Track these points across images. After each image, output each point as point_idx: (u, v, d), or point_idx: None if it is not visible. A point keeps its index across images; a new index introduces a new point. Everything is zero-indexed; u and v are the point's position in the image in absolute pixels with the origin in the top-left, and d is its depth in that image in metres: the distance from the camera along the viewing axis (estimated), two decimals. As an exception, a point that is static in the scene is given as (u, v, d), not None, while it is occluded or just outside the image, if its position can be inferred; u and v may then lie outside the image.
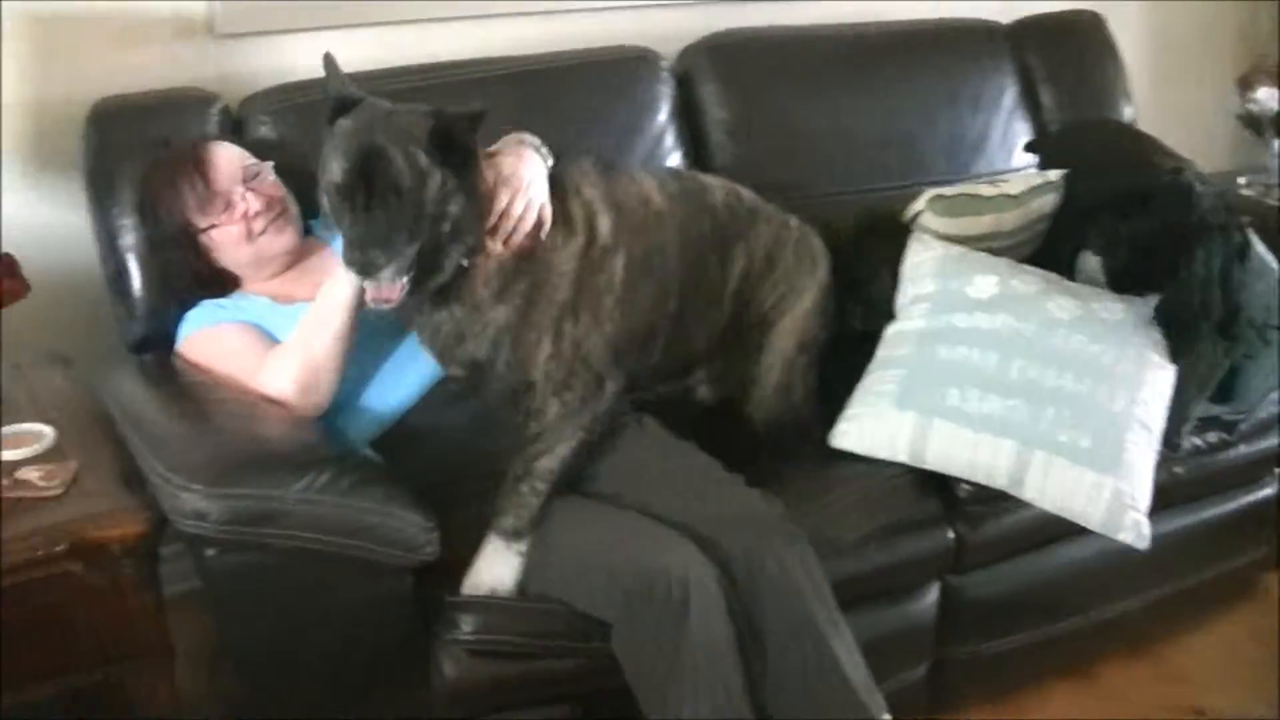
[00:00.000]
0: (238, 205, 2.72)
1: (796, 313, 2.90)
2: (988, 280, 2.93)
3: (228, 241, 2.74)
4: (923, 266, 3.02)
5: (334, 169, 2.32)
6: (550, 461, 2.51)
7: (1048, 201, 3.15)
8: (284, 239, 2.78)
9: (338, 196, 2.33)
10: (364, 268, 2.30)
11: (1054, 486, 2.72)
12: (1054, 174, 3.18)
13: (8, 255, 2.75)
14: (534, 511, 2.50)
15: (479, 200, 2.41)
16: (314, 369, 2.55)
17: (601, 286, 2.56)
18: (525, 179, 2.49)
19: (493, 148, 2.58)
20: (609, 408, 2.59)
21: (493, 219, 2.45)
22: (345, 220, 2.33)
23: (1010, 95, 3.83)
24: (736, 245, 2.81)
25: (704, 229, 2.77)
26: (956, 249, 3.05)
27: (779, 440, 2.89)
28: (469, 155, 2.38)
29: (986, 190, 3.17)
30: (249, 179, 2.75)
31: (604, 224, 2.58)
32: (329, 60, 2.46)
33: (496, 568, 2.49)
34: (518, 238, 2.47)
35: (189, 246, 2.76)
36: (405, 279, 2.35)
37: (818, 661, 2.41)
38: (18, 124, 3.07)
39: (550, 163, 2.59)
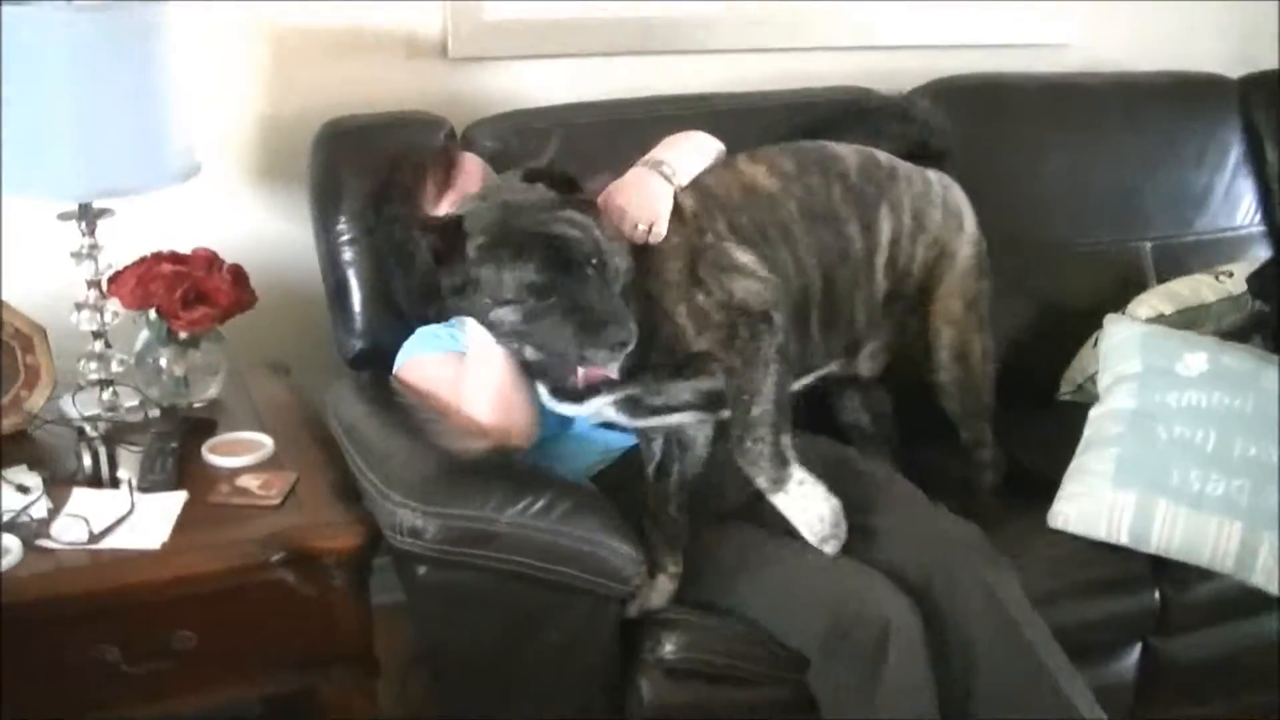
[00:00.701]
0: None
1: (955, 272, 2.83)
2: (1197, 357, 2.86)
3: None
4: (1125, 346, 2.96)
5: (518, 276, 2.24)
6: (760, 406, 2.42)
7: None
8: None
9: (540, 298, 2.25)
10: (614, 350, 2.24)
11: None
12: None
13: (237, 266, 2.83)
14: (774, 457, 2.41)
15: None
16: (503, 395, 2.53)
17: (714, 244, 2.49)
18: (619, 207, 2.46)
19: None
20: (784, 340, 2.48)
21: None
22: (557, 317, 2.24)
23: (1235, 152, 3.72)
24: (879, 209, 2.71)
25: (834, 198, 2.67)
26: (1157, 326, 3.02)
27: (963, 405, 2.90)
28: (574, 183, 2.38)
29: (1209, 292, 3.19)
30: None
31: (687, 201, 2.52)
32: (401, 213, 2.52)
33: (788, 508, 2.43)
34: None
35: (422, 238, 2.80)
36: None
37: (1032, 678, 2.40)
38: (251, 137, 3.15)
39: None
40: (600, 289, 2.24)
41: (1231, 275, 3.28)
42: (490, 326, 2.35)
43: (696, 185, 2.56)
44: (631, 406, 2.48)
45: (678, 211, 2.48)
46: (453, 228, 2.29)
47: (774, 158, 2.69)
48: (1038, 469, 2.94)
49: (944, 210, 2.83)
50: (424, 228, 2.34)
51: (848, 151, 2.77)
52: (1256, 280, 3.24)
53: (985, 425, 2.90)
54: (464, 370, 2.62)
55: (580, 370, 2.36)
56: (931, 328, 2.84)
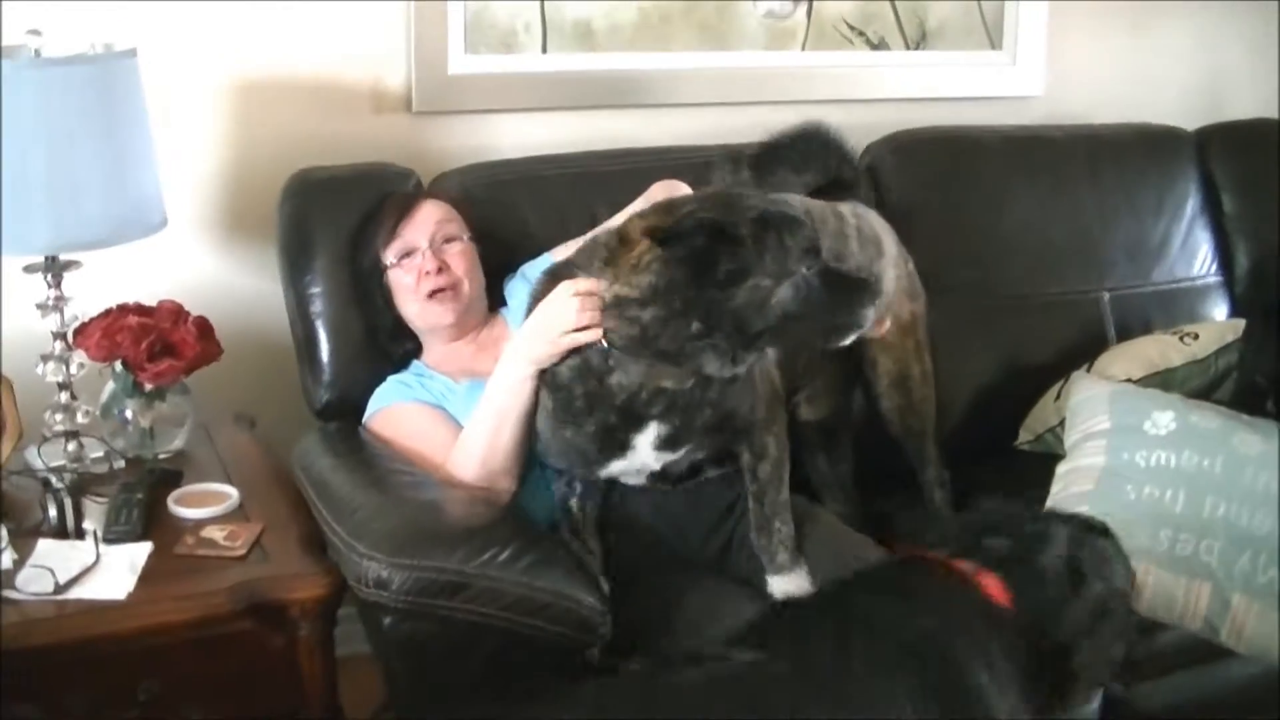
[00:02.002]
0: (416, 258, 2.81)
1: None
2: (1164, 415, 2.87)
3: (401, 289, 2.84)
4: (1093, 403, 2.98)
5: (800, 236, 2.27)
6: (784, 490, 2.55)
7: (1234, 359, 3.19)
8: (444, 313, 2.82)
9: (814, 260, 2.27)
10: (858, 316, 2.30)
11: (1252, 631, 2.66)
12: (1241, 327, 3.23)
13: (202, 318, 2.84)
14: (793, 537, 2.55)
15: None
16: (489, 475, 2.56)
17: None
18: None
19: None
20: None
21: None
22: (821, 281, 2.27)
23: (1193, 203, 3.77)
24: None
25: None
26: (1126, 384, 3.05)
27: (905, 429, 2.95)
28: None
29: (1175, 355, 3.22)
30: (438, 242, 2.82)
31: None
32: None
33: (791, 585, 2.54)
34: None
35: (379, 282, 2.86)
36: None
37: None
38: (217, 190, 3.16)
39: None
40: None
41: (1196, 338, 3.30)
42: (758, 310, 2.27)
43: None
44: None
45: None
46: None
47: None
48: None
49: (859, 240, 2.85)
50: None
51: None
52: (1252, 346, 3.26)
53: (929, 445, 2.95)
54: (442, 422, 2.69)
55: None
56: (868, 358, 2.88)
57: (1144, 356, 3.27)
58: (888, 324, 2.51)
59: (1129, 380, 3.16)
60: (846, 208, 2.88)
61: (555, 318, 2.35)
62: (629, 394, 2.37)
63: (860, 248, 2.83)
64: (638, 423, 2.42)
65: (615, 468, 2.52)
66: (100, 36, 2.72)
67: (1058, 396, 3.23)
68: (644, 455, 2.47)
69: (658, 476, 2.57)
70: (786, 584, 2.55)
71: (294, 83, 3.17)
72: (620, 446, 2.45)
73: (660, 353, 2.30)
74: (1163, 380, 3.18)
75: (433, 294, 2.80)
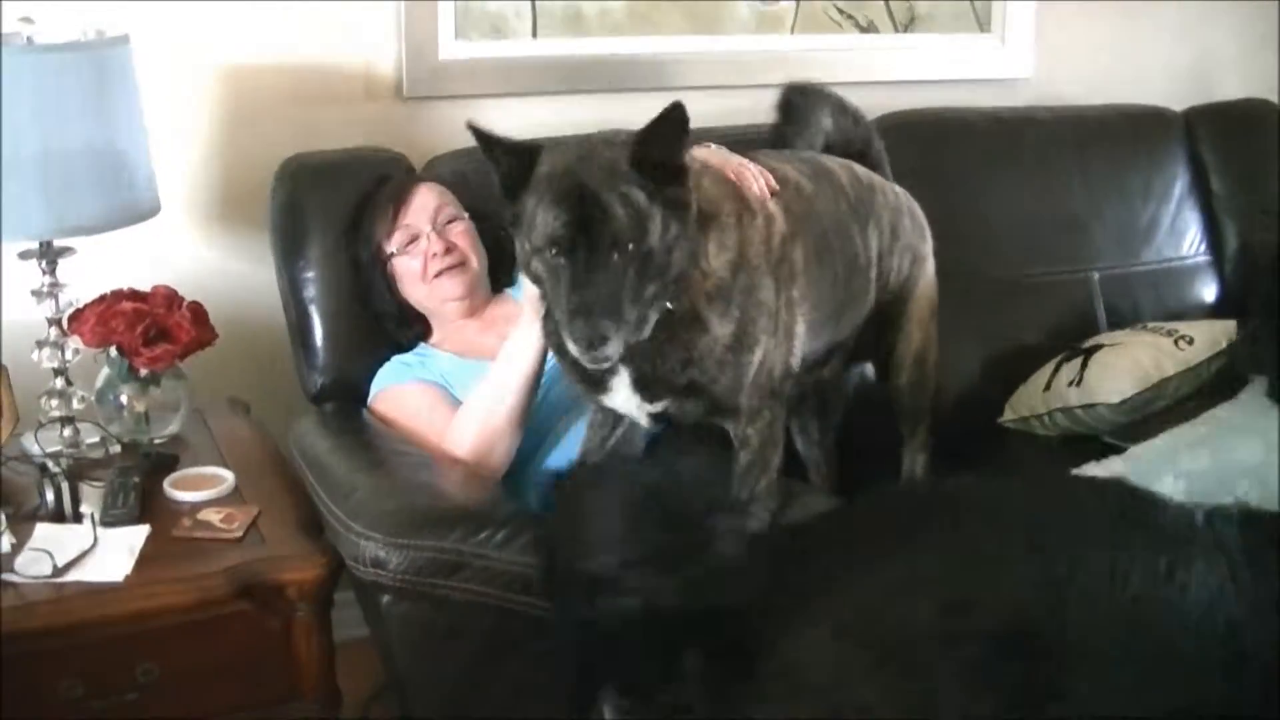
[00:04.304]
0: (421, 243, 2.84)
1: (925, 280, 2.91)
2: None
3: (408, 275, 2.88)
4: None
5: (548, 222, 2.16)
6: (767, 478, 2.51)
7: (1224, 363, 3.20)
8: (454, 287, 2.87)
9: (556, 253, 2.16)
10: (592, 342, 2.13)
11: None
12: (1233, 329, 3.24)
13: (197, 303, 2.84)
14: (768, 519, 2.51)
15: (694, 225, 2.25)
16: (490, 435, 2.60)
17: (789, 284, 2.46)
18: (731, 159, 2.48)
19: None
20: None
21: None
22: (564, 284, 2.16)
23: (1181, 184, 3.79)
24: (870, 223, 2.75)
25: (843, 209, 2.68)
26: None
27: (914, 405, 2.96)
28: (679, 172, 2.21)
29: (1169, 364, 3.19)
30: (440, 224, 2.87)
31: (774, 208, 2.46)
32: (481, 134, 2.28)
33: None
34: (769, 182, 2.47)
35: (382, 272, 2.89)
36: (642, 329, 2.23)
37: None
38: (211, 176, 3.17)
39: None
40: (615, 277, 2.15)
41: (1191, 342, 3.25)
42: (529, 277, 2.29)
43: (783, 194, 2.50)
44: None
45: (771, 221, 2.44)
46: (528, 155, 2.24)
47: (793, 161, 2.69)
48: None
49: (911, 219, 2.90)
50: (504, 150, 2.26)
51: (836, 165, 2.80)
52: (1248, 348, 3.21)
53: (924, 423, 2.98)
54: (441, 401, 2.72)
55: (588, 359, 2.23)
56: (903, 332, 2.89)
57: (1137, 367, 3.20)
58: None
59: (1123, 401, 3.14)
60: (898, 187, 2.95)
61: None
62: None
63: (912, 226, 2.89)
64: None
65: (614, 404, 2.49)
66: (93, 23, 2.72)
67: (1076, 381, 3.22)
68: (624, 396, 2.42)
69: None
70: None
71: (286, 69, 3.18)
72: (597, 384, 2.42)
73: None
74: (1155, 393, 3.16)
75: (441, 272, 2.84)
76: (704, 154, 2.49)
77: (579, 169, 2.18)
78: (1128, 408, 3.15)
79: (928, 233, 2.97)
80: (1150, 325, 3.40)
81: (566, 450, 2.73)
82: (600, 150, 2.22)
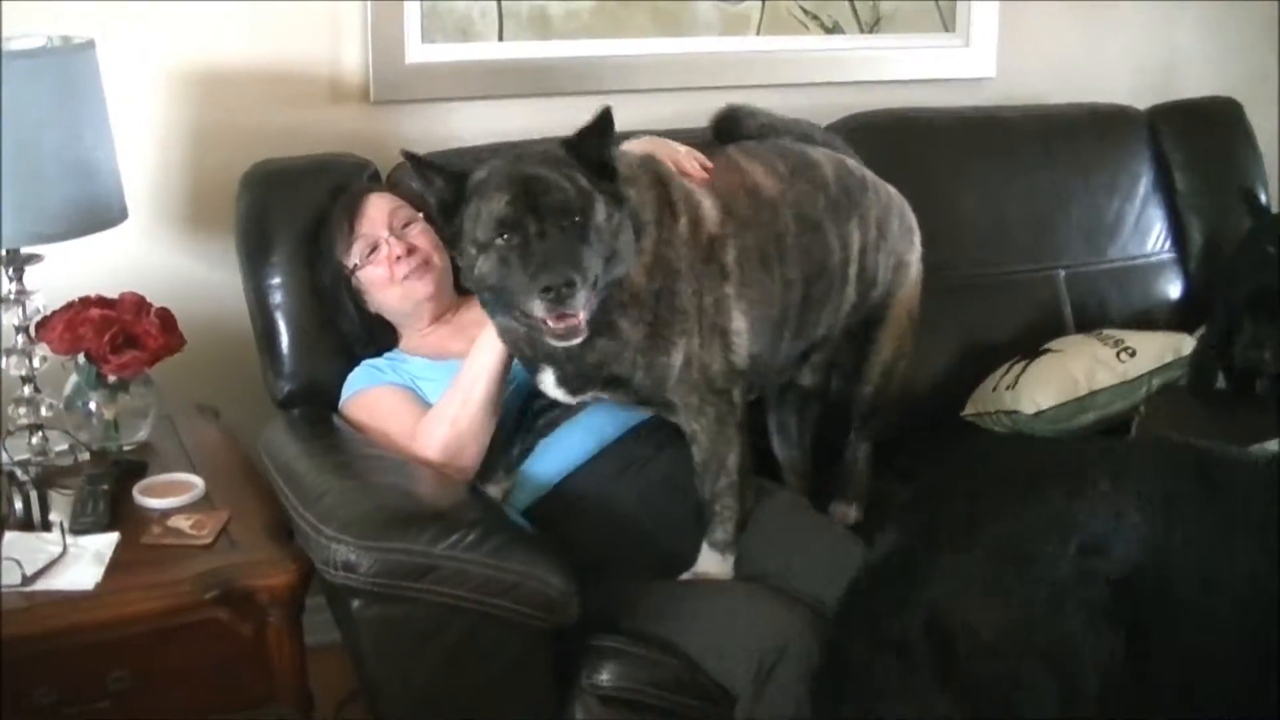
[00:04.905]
0: (382, 249, 2.83)
1: (907, 285, 2.92)
2: None
3: (375, 283, 2.86)
4: None
5: (493, 210, 2.25)
6: (726, 478, 2.56)
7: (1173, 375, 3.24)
8: (424, 286, 2.86)
9: (506, 236, 2.25)
10: (559, 293, 2.19)
11: None
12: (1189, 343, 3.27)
13: (165, 310, 2.84)
14: (735, 520, 2.58)
15: (629, 222, 2.35)
16: (459, 436, 2.60)
17: (717, 284, 2.50)
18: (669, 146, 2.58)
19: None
20: (744, 407, 2.60)
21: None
22: (517, 256, 2.24)
23: (1145, 182, 3.82)
24: (853, 220, 2.76)
25: (819, 207, 2.71)
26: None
27: (871, 412, 2.99)
28: (610, 170, 2.34)
29: (1104, 376, 3.23)
30: (397, 228, 2.86)
31: (708, 208, 2.53)
32: (415, 159, 2.37)
33: (714, 568, 2.59)
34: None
35: (346, 288, 2.88)
36: (593, 303, 2.28)
37: None
38: (177, 182, 3.16)
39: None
40: (570, 240, 2.23)
41: (1134, 354, 3.28)
42: (475, 286, 2.38)
43: (714, 191, 2.56)
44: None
45: (698, 223, 2.50)
46: (462, 177, 2.33)
47: (767, 157, 2.73)
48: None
49: (900, 221, 2.91)
50: (435, 172, 2.35)
51: (824, 158, 2.81)
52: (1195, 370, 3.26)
53: (875, 425, 3.02)
54: (412, 404, 2.72)
55: (555, 323, 2.26)
56: (877, 340, 2.91)
57: (1067, 378, 3.23)
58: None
59: (1039, 413, 3.19)
60: (891, 188, 2.96)
61: None
62: (510, 335, 2.49)
63: (899, 229, 2.91)
64: (532, 362, 2.51)
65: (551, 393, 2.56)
66: (57, 29, 2.72)
67: (1012, 385, 3.26)
68: (554, 391, 2.53)
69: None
70: (708, 563, 2.59)
71: (251, 73, 3.17)
72: (533, 374, 2.53)
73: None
74: (1080, 405, 3.20)
75: (408, 275, 2.84)
76: (642, 144, 2.60)
77: (517, 163, 2.30)
78: (1046, 419, 3.20)
79: (916, 238, 2.98)
80: (1106, 332, 3.43)
81: (557, 456, 2.75)
82: (535, 149, 2.38)
